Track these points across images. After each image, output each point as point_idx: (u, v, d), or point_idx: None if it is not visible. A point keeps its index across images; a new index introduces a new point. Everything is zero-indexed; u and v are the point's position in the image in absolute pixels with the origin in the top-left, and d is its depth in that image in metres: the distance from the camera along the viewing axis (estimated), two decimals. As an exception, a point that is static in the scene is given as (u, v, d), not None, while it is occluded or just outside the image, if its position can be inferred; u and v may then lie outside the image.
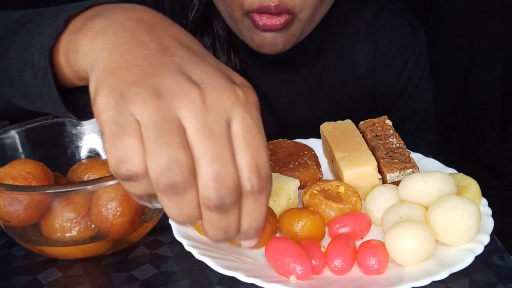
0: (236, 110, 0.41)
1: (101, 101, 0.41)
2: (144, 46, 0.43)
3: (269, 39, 0.81)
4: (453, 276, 0.53)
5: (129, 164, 0.39)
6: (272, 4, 0.76)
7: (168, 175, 0.38)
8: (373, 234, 0.62)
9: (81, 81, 0.53)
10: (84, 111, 0.56)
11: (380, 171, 0.68)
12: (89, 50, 0.46)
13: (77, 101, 0.55)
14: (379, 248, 0.56)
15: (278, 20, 0.78)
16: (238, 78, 0.43)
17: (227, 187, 0.39)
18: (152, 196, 0.41)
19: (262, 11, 0.77)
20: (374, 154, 0.70)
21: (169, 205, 0.40)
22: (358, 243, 0.58)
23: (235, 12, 0.81)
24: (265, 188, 0.41)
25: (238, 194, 0.40)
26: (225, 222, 0.41)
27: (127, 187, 0.41)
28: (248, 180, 0.40)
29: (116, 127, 0.39)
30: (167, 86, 0.40)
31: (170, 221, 0.62)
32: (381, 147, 0.71)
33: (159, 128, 0.38)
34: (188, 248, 0.58)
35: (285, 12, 0.78)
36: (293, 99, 1.01)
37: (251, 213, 0.41)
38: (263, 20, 0.78)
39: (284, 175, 0.69)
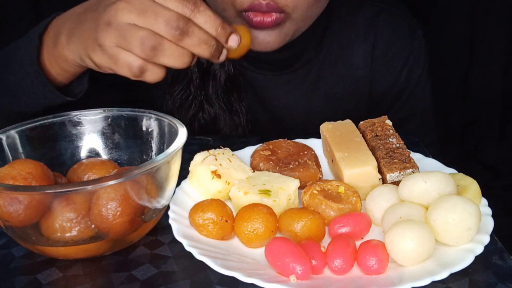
0: None
1: (96, 59, 0.66)
2: (90, 20, 0.66)
3: (262, 37, 0.82)
4: (453, 276, 0.53)
5: (131, 65, 0.63)
6: (263, 2, 0.77)
7: (146, 42, 0.61)
8: (373, 234, 0.62)
9: (73, 76, 0.76)
10: (75, 93, 0.79)
11: (380, 171, 0.68)
12: (72, 53, 0.70)
13: (69, 89, 0.79)
14: (379, 248, 0.56)
15: (269, 17, 0.79)
16: None
17: (174, 19, 0.61)
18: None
19: (253, 9, 0.78)
20: (374, 154, 0.70)
21: (165, 58, 0.62)
22: (358, 243, 0.58)
23: (227, 12, 0.81)
24: (199, 3, 0.62)
25: (186, 19, 0.61)
26: (197, 37, 0.62)
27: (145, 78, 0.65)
28: (183, 8, 0.61)
29: (110, 59, 0.64)
30: (112, 18, 0.62)
31: (170, 221, 0.62)
32: (381, 147, 0.71)
33: (124, 37, 0.62)
34: (188, 248, 0.58)
35: (276, 10, 0.78)
36: (290, 101, 1.00)
37: (205, 21, 0.63)
38: (258, 17, 0.79)
39: (284, 175, 0.69)
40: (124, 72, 0.64)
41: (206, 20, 0.63)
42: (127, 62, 0.63)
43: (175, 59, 0.63)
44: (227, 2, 0.80)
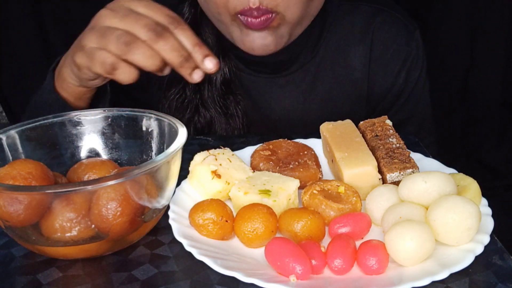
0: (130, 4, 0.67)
1: (78, 60, 0.69)
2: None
3: (259, 40, 0.83)
4: (453, 276, 0.53)
5: (104, 61, 0.66)
6: (253, 6, 0.78)
7: (121, 39, 0.64)
8: (373, 234, 0.62)
9: (88, 99, 0.81)
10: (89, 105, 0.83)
11: (380, 171, 0.68)
12: (65, 69, 0.75)
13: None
14: (379, 248, 0.56)
15: (259, 18, 0.80)
16: None
17: (153, 24, 0.64)
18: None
19: (245, 14, 0.79)
20: (374, 154, 0.70)
21: (136, 56, 0.64)
22: (358, 243, 0.58)
23: (223, 16, 0.82)
24: (180, 21, 0.66)
25: (164, 27, 0.64)
26: (171, 43, 0.64)
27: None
28: (164, 19, 0.65)
29: (88, 57, 0.68)
30: (95, 23, 0.68)
31: (170, 221, 0.62)
32: (381, 147, 0.71)
33: (102, 36, 0.66)
34: (188, 248, 0.58)
35: (267, 13, 0.79)
36: (287, 104, 1.00)
37: (184, 36, 0.65)
38: (248, 19, 0.80)
39: (284, 175, 0.69)
40: (97, 68, 0.67)
41: (184, 35, 0.65)
42: (101, 58, 0.65)
43: (146, 59, 0.64)
44: (221, 6, 0.81)
